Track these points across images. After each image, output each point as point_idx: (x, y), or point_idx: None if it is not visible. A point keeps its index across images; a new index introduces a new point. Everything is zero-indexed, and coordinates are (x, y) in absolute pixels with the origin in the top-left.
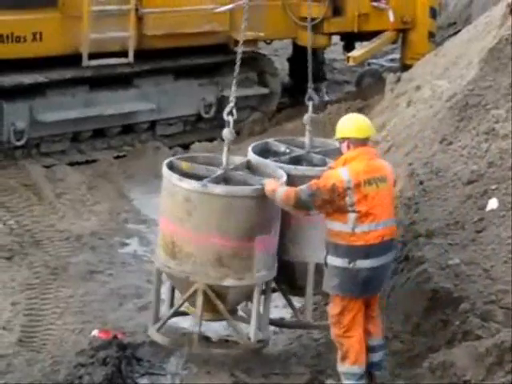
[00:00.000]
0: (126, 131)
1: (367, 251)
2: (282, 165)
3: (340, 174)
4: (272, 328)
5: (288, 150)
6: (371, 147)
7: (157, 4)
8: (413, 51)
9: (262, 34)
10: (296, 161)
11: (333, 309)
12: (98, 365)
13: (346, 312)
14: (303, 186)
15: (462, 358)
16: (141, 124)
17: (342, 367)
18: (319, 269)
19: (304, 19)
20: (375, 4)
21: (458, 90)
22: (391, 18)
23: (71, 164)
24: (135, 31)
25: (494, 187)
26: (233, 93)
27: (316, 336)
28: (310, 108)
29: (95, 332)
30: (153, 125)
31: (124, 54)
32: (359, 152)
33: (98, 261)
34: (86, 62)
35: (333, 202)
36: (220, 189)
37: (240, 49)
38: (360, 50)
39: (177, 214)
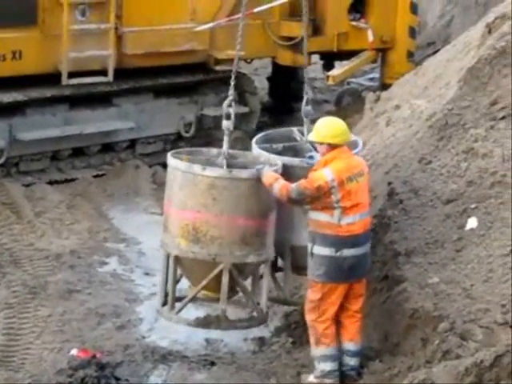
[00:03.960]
0: (105, 150)
1: (353, 241)
2: (264, 153)
3: (324, 174)
4: (252, 348)
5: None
6: (345, 147)
7: (136, 23)
8: (392, 70)
9: (242, 53)
10: (291, 150)
11: (313, 295)
12: None
13: (326, 298)
14: (294, 185)
15: (441, 377)
16: (120, 143)
17: (316, 351)
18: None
19: (284, 38)
20: (354, 23)
21: (437, 110)
22: (370, 37)
23: (50, 183)
24: (115, 50)
25: (473, 206)
26: (231, 88)
27: (296, 356)
28: (305, 101)
29: (74, 351)
30: (132, 143)
31: (104, 72)
32: (337, 152)
33: (77, 280)
34: (65, 80)
35: (320, 199)
36: (246, 173)
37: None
38: (339, 69)
39: (200, 201)
